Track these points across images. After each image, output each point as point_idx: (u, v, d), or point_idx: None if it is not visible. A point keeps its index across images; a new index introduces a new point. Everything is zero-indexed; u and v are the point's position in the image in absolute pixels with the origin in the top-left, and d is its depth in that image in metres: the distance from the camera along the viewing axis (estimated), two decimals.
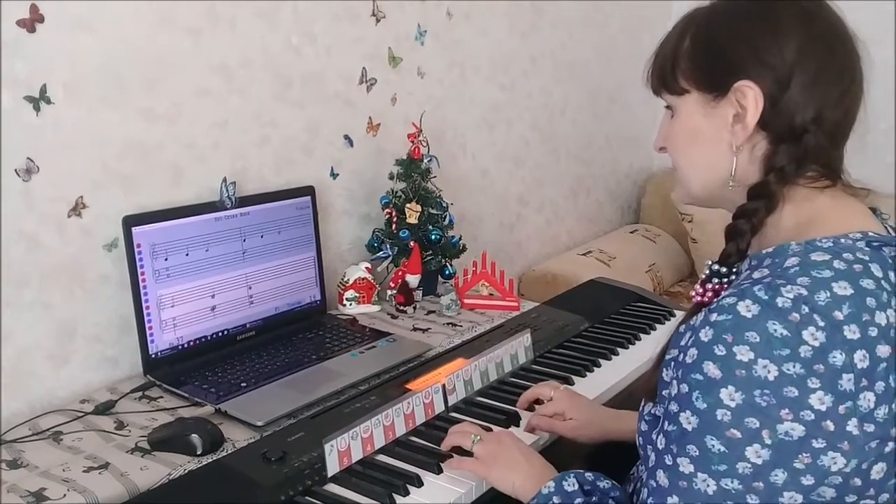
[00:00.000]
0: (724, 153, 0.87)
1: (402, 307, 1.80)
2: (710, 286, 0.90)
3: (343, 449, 1.12)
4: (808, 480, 0.74)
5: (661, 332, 1.70)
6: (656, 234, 2.91)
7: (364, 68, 1.85)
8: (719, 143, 0.87)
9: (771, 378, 0.73)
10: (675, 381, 0.80)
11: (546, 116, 2.54)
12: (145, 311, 1.40)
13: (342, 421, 1.19)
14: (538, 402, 1.32)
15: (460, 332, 1.67)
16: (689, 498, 0.78)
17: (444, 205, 1.89)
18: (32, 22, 1.26)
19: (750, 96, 0.83)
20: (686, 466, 0.78)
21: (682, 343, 0.80)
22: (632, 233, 2.91)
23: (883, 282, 0.77)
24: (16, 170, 1.27)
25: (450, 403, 1.31)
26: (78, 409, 1.31)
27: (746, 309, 0.75)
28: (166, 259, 1.42)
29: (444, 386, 1.30)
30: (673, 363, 0.82)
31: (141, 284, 1.39)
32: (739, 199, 0.87)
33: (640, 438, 0.93)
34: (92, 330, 1.42)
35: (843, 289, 0.75)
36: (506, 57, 2.31)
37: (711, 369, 0.75)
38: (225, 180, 1.52)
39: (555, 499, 0.96)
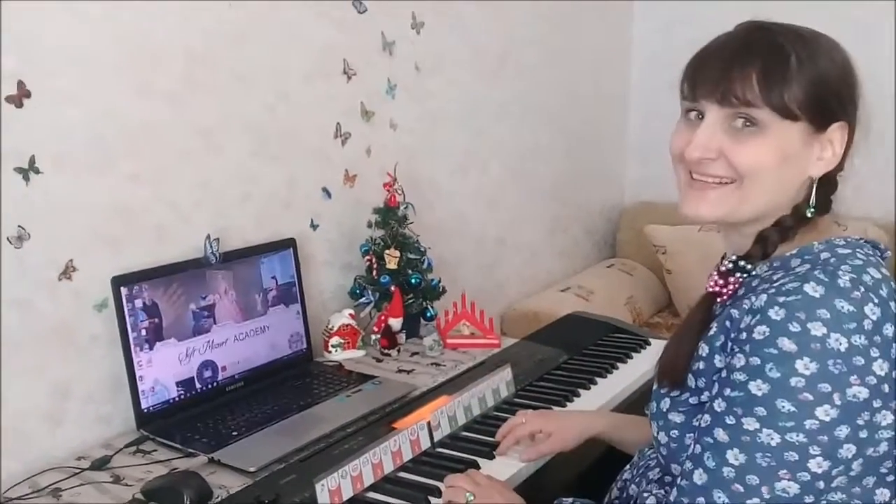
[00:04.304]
0: (801, 181, 0.95)
1: (386, 350, 1.85)
2: (732, 279, 0.97)
3: (333, 488, 1.16)
4: (863, 433, 0.84)
5: (637, 361, 1.76)
6: (632, 268, 2.98)
7: (338, 123, 1.92)
8: (802, 173, 0.94)
9: (842, 349, 0.83)
10: (740, 355, 0.87)
11: (518, 159, 2.62)
12: (137, 368, 1.44)
13: (331, 462, 1.23)
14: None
15: (444, 371, 1.72)
16: (751, 450, 0.85)
17: (423, 249, 1.95)
18: (20, 97, 1.32)
19: (839, 136, 0.93)
20: (751, 424, 0.86)
21: (743, 325, 0.88)
22: (608, 267, 2.97)
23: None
24: (8, 238, 1.33)
25: (436, 439, 1.36)
26: (75, 465, 1.34)
27: (813, 290, 0.85)
28: (155, 316, 1.47)
29: (429, 423, 1.35)
30: (730, 345, 0.90)
31: (132, 342, 1.44)
32: (771, 219, 0.96)
33: (675, 431, 0.96)
34: (85, 389, 1.46)
35: (875, 273, 0.88)
36: (474, 104, 2.39)
37: (786, 344, 0.84)
38: (209, 237, 1.58)
39: None
